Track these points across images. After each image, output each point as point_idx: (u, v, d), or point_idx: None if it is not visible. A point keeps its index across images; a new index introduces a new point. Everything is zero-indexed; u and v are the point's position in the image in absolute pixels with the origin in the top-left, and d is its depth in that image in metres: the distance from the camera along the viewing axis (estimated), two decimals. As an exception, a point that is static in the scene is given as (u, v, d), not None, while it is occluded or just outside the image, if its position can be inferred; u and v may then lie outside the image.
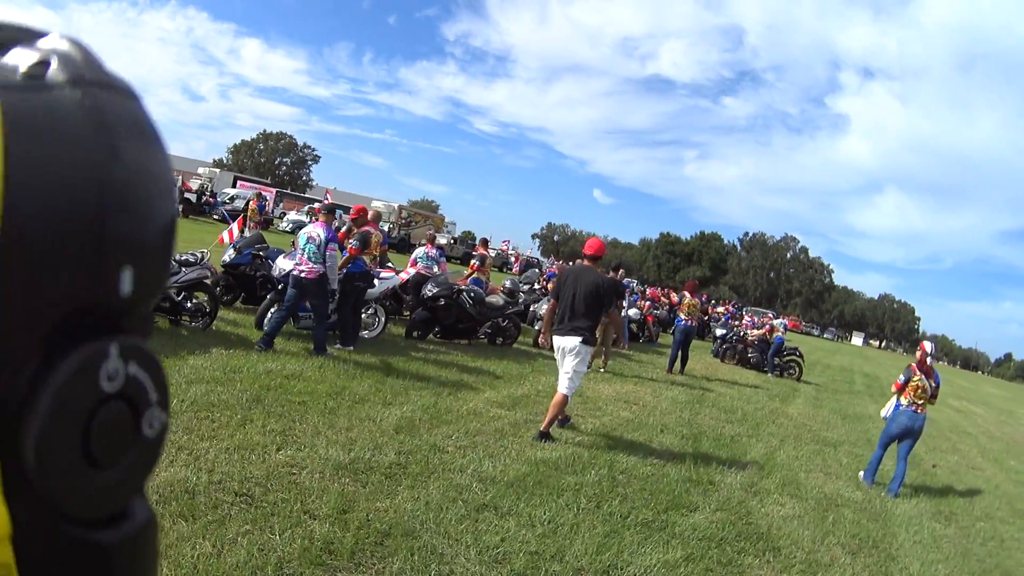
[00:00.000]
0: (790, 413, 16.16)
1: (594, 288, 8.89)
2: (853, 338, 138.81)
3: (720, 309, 36.38)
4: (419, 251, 17.03)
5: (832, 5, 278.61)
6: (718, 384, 18.71)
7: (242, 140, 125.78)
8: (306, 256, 10.85)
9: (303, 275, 10.81)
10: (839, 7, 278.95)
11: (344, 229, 13.05)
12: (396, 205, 64.54)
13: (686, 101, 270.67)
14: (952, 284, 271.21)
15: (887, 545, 8.04)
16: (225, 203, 47.78)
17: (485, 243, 20.96)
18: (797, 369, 24.67)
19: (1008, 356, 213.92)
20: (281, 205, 63.22)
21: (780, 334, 24.93)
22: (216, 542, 4.59)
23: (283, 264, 12.07)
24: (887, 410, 11.36)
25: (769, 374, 23.59)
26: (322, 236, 10.89)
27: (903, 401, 10.81)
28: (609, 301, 9.45)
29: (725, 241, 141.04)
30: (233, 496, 5.35)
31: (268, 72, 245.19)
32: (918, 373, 10.70)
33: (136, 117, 0.53)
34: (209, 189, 54.21)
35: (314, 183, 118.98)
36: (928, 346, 10.97)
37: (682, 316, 19.55)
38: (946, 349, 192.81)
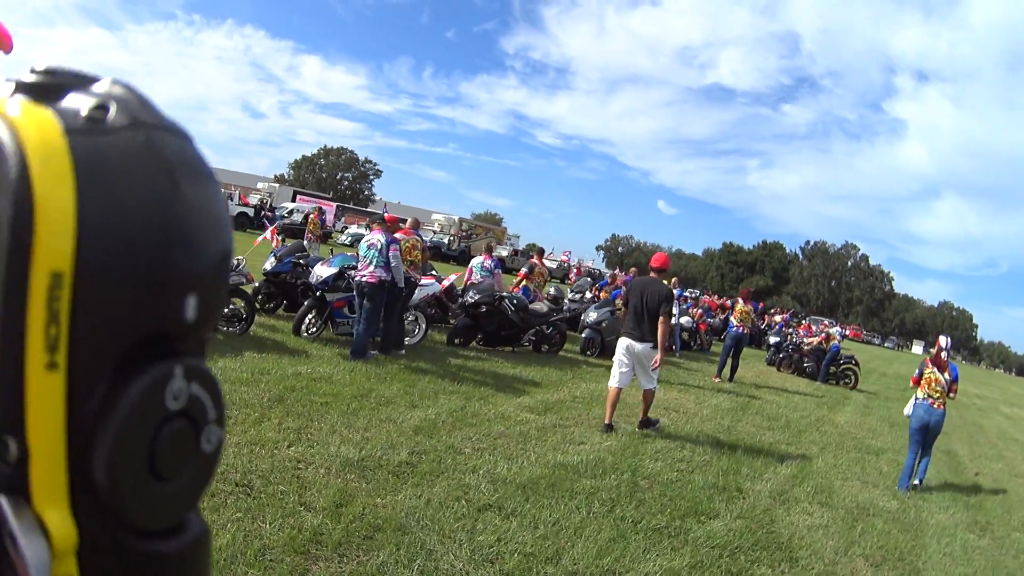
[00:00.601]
0: (837, 421, 15.79)
1: (659, 298, 9.95)
2: (914, 346, 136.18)
3: (777, 318, 35.69)
4: (475, 261, 16.99)
5: (884, 8, 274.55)
6: (767, 392, 18.38)
7: (303, 156, 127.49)
8: (368, 262, 11.17)
9: (364, 279, 11.10)
10: (890, 10, 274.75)
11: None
12: (456, 218, 64.86)
13: (746, 109, 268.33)
14: (1008, 289, 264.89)
15: (914, 557, 7.68)
16: (283, 217, 48.31)
17: (541, 253, 20.92)
18: (853, 378, 23.84)
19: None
20: (343, 219, 63.75)
21: (836, 342, 24.36)
22: (209, 526, 4.58)
23: (320, 272, 12.16)
24: (909, 408, 11.11)
25: (820, 383, 22.99)
26: (382, 240, 11.28)
27: (919, 395, 10.84)
28: (667, 310, 10.06)
29: (787, 250, 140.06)
30: (233, 486, 5.48)
31: (329, 88, 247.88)
32: (930, 366, 10.79)
33: (190, 156, 0.56)
34: (268, 204, 54.92)
35: (376, 197, 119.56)
36: (943, 341, 11.10)
37: (734, 323, 19.36)
38: (1002, 356, 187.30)
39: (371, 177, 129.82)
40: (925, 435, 10.73)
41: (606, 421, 9.95)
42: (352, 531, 5.10)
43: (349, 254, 12.80)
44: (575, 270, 35.65)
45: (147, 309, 0.50)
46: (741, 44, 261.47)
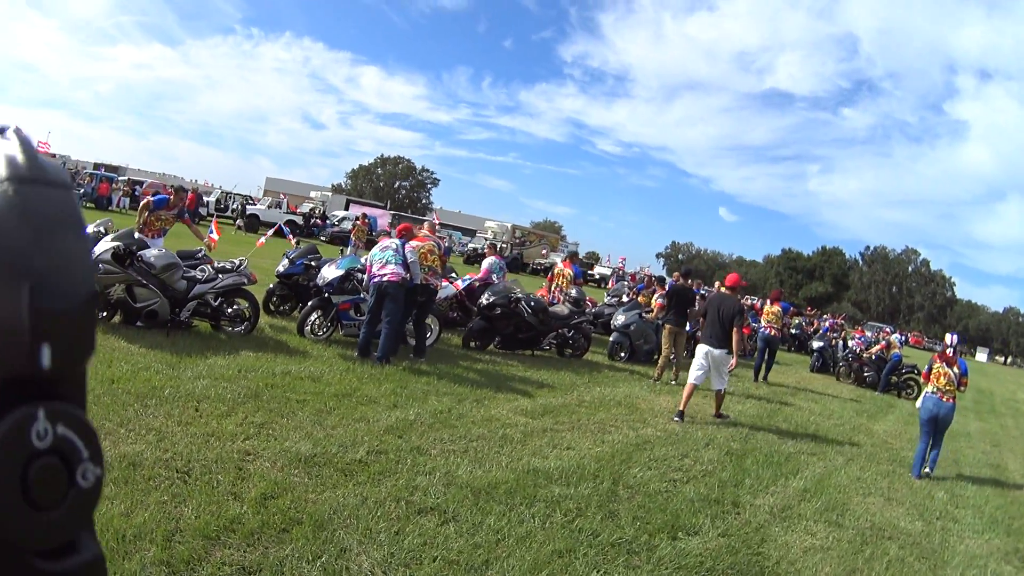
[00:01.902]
0: (875, 430, 14.88)
1: (731, 309, 11.88)
2: (977, 354, 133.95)
3: (827, 323, 34.89)
4: (488, 261, 17.08)
5: (945, 6, 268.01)
6: (803, 398, 17.61)
7: (360, 165, 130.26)
8: (385, 262, 11.13)
9: (386, 279, 11.01)
10: (951, 7, 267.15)
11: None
12: (510, 225, 65.43)
13: (805, 114, 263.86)
14: None
15: None
16: (334, 225, 49.05)
17: (574, 255, 21.09)
18: (916, 388, 21.80)
19: None
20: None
21: (897, 351, 23.31)
22: (132, 506, 4.88)
23: (327, 274, 12.10)
24: (919, 401, 11.63)
25: (880, 393, 21.87)
26: (397, 242, 11.39)
27: (929, 389, 11.28)
28: (739, 320, 11.91)
29: (847, 256, 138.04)
30: (173, 472, 5.59)
31: (388, 99, 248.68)
32: (939, 361, 11.23)
33: (61, 207, 0.61)
34: (321, 212, 55.71)
35: (434, 206, 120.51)
36: (949, 338, 11.66)
37: (763, 324, 19.18)
38: None
39: (428, 186, 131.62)
40: (935, 426, 11.21)
41: (680, 408, 11.60)
42: (270, 523, 5.01)
43: (360, 256, 12.68)
44: (631, 277, 35.21)
45: (2, 356, 0.56)
46: (798, 48, 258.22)
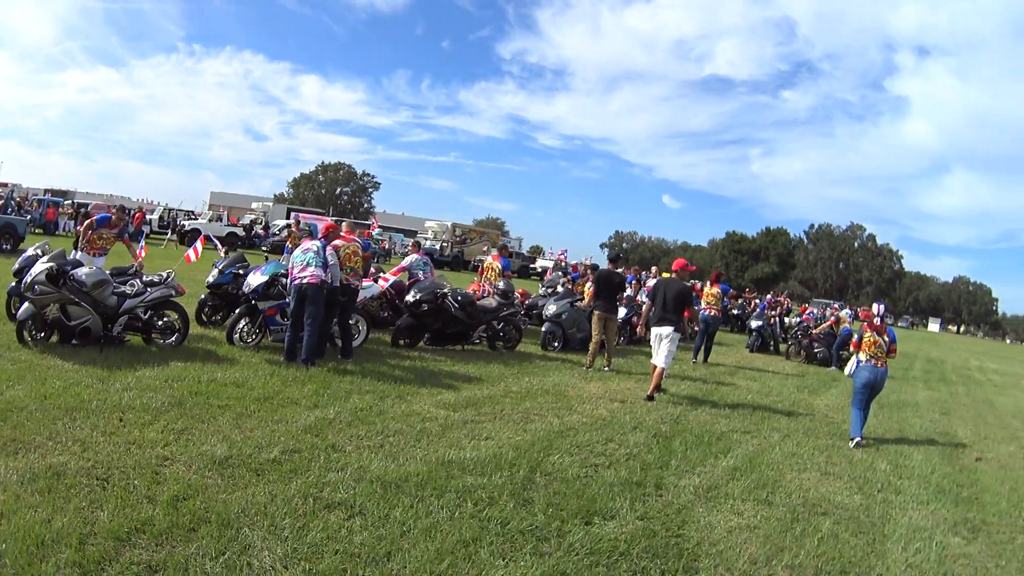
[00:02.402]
0: (816, 405, 14.88)
1: (678, 293, 12.93)
2: (929, 324, 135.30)
3: (772, 299, 34.92)
4: (409, 259, 17.30)
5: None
6: (742, 377, 17.74)
7: (301, 173, 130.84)
8: (305, 264, 11.19)
9: (306, 281, 11.08)
10: None
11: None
12: (449, 224, 65.86)
13: (745, 99, 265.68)
14: None
15: (864, 570, 6.37)
16: (275, 235, 49.13)
17: (504, 248, 21.19)
18: None
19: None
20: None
21: (847, 325, 23.49)
22: (52, 513, 5.05)
23: (252, 281, 12.19)
24: (850, 369, 12.16)
25: (835, 369, 21.79)
26: (318, 244, 11.44)
27: (862, 357, 11.70)
28: (689, 301, 13.25)
29: (791, 235, 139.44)
30: (93, 480, 5.74)
31: (329, 106, 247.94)
32: (869, 331, 11.73)
33: None
34: (263, 222, 55.75)
35: (376, 209, 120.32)
36: (876, 308, 12.18)
37: (703, 305, 19.44)
38: None
39: (370, 190, 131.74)
40: (870, 392, 11.64)
41: (648, 394, 12.55)
42: (179, 523, 5.12)
43: (281, 261, 12.77)
44: (571, 268, 35.31)
45: None
46: (736, 33, 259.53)
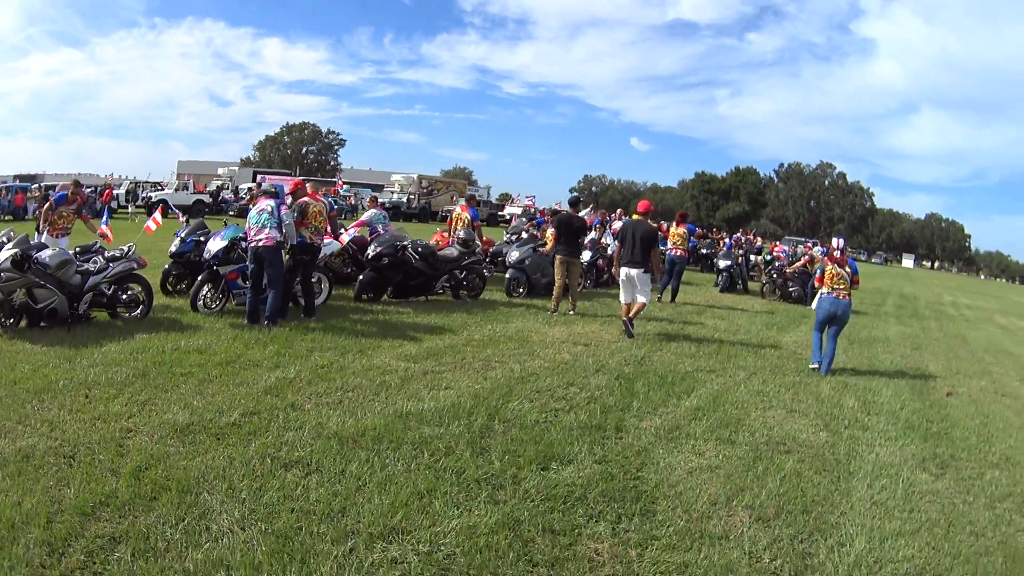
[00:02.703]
0: (784, 342, 14.92)
1: (645, 235, 13.24)
2: (904, 260, 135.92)
3: (738, 237, 34.80)
4: (368, 214, 17.43)
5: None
6: (710, 316, 17.79)
7: (266, 136, 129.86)
8: (261, 225, 11.21)
9: (261, 243, 11.14)
10: None
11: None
12: (415, 176, 65.67)
13: (711, 42, 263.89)
14: (1001, 199, 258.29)
15: (827, 508, 6.28)
16: (243, 198, 48.71)
17: (472, 199, 21.32)
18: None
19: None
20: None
21: (822, 264, 23.10)
22: (23, 494, 5.10)
23: (211, 246, 12.24)
24: (815, 303, 12.91)
25: (809, 306, 20.79)
26: (272, 204, 11.36)
27: (825, 290, 12.12)
28: (653, 242, 13.38)
29: (761, 174, 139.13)
30: (61, 459, 5.78)
31: (291, 67, 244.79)
32: (830, 264, 12.14)
33: None
34: (230, 187, 55.50)
35: (343, 166, 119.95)
36: (836, 241, 12.72)
37: (669, 246, 19.50)
38: (1001, 266, 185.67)
39: (336, 147, 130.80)
40: (831, 325, 12.07)
41: (627, 326, 13.28)
42: (141, 493, 5.22)
43: (240, 225, 12.81)
44: (539, 213, 35.26)
45: None
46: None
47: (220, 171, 71.85)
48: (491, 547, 4.89)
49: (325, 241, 13.55)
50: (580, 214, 17.78)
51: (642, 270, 13.18)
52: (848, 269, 12.09)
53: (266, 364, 9.10)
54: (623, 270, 13.38)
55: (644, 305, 13.51)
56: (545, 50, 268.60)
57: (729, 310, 19.31)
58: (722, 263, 25.56)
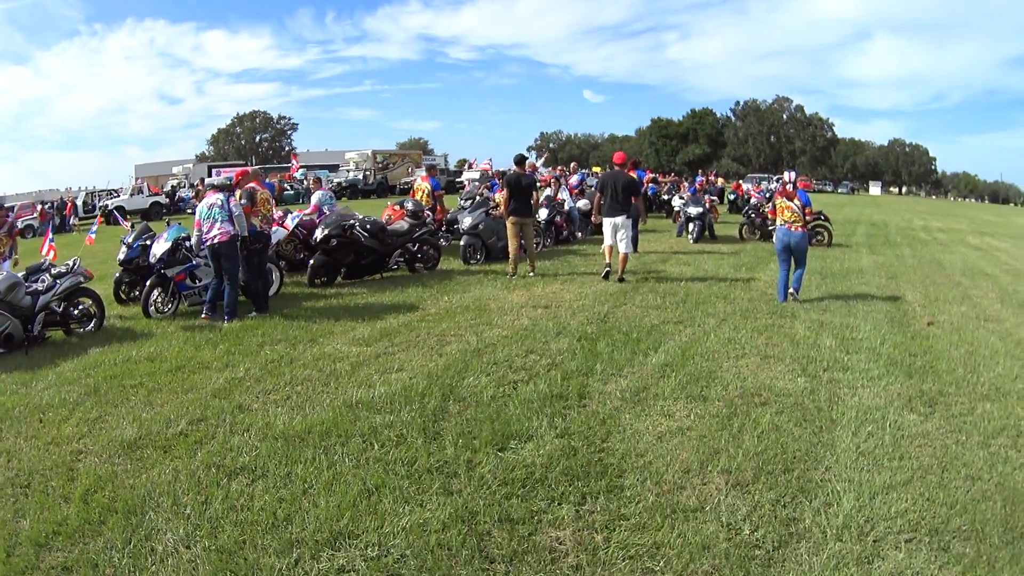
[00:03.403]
0: (754, 283, 14.78)
1: (625, 184, 14.60)
2: (870, 188, 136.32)
3: (702, 179, 34.41)
4: (316, 196, 17.12)
5: None
6: (674, 263, 17.61)
7: (219, 129, 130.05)
8: (212, 221, 11.16)
9: (216, 239, 11.12)
10: None
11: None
12: (369, 151, 65.52)
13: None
14: (964, 119, 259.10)
15: (810, 464, 5.96)
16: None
17: (432, 169, 21.32)
18: (826, 235, 22.47)
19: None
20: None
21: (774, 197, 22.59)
22: None
23: (156, 249, 12.09)
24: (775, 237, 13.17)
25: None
26: (221, 197, 11.29)
27: (779, 222, 12.83)
28: (634, 189, 14.91)
29: (718, 115, 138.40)
30: (18, 489, 5.69)
31: (237, 57, 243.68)
32: (780, 198, 12.83)
33: None
34: (187, 184, 55.26)
35: (298, 150, 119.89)
36: (787, 175, 13.26)
37: None
38: (970, 186, 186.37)
39: (288, 132, 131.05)
40: (791, 254, 12.66)
41: (613, 271, 14.80)
42: (90, 518, 5.12)
43: (182, 225, 12.68)
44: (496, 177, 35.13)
45: None
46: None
47: (175, 170, 71.31)
48: (444, 545, 4.70)
49: (272, 228, 13.41)
50: (541, 170, 18.14)
51: (625, 216, 14.42)
52: (798, 202, 12.48)
53: (216, 365, 8.94)
54: (607, 220, 14.57)
55: (627, 256, 14.86)
56: (489, 10, 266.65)
57: (694, 255, 19.16)
58: (692, 211, 23.72)
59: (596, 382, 7.93)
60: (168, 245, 11.97)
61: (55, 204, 47.55)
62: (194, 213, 12.20)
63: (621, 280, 14.54)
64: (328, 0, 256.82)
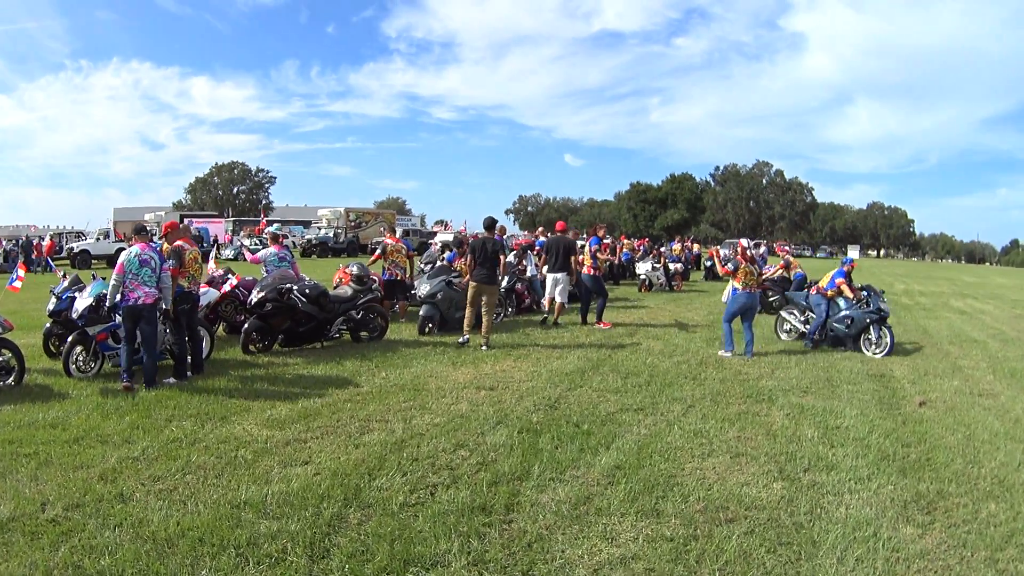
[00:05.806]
0: (727, 360, 14.04)
1: (564, 247, 18.09)
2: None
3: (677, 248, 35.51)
4: (264, 252, 16.01)
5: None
6: (645, 335, 17.28)
7: (196, 177, 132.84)
8: (140, 281, 10.61)
9: (140, 301, 10.59)
10: None
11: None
12: (343, 209, 66.97)
13: (638, 50, 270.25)
14: (941, 181, 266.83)
15: None
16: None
17: (393, 231, 21.07)
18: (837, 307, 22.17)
19: (1015, 243, 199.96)
20: (242, 233, 65.63)
21: (800, 270, 22.51)
22: None
23: (78, 305, 11.70)
24: (726, 295, 15.32)
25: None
26: (157, 259, 10.80)
27: (738, 286, 14.44)
28: (572, 251, 18.21)
29: (697, 179, 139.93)
30: None
31: (221, 106, 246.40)
32: (743, 262, 14.33)
33: None
34: (156, 232, 55.29)
35: (276, 204, 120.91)
36: (743, 242, 15.45)
37: (585, 266, 18.87)
38: (947, 247, 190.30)
39: (266, 185, 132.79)
40: (744, 315, 14.56)
41: (554, 319, 18.64)
42: None
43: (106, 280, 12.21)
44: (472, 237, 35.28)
45: None
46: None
47: (147, 217, 71.12)
48: None
49: (203, 289, 13.07)
50: (517, 233, 19.62)
51: (565, 273, 18.11)
52: (756, 267, 14.72)
53: (115, 440, 8.25)
54: (550, 276, 18.51)
55: (563, 304, 18.61)
56: (472, 72, 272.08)
57: (665, 328, 18.80)
58: (640, 267, 31.37)
59: (530, 489, 6.87)
60: (90, 301, 11.57)
61: (19, 242, 47.21)
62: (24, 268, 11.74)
63: (556, 324, 18.37)
64: (313, 53, 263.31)
